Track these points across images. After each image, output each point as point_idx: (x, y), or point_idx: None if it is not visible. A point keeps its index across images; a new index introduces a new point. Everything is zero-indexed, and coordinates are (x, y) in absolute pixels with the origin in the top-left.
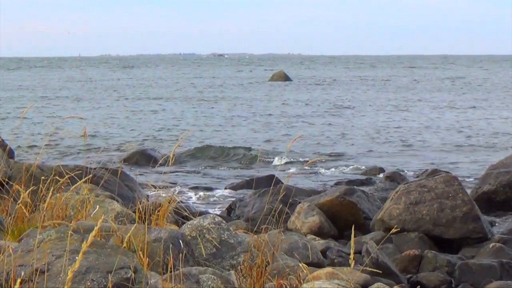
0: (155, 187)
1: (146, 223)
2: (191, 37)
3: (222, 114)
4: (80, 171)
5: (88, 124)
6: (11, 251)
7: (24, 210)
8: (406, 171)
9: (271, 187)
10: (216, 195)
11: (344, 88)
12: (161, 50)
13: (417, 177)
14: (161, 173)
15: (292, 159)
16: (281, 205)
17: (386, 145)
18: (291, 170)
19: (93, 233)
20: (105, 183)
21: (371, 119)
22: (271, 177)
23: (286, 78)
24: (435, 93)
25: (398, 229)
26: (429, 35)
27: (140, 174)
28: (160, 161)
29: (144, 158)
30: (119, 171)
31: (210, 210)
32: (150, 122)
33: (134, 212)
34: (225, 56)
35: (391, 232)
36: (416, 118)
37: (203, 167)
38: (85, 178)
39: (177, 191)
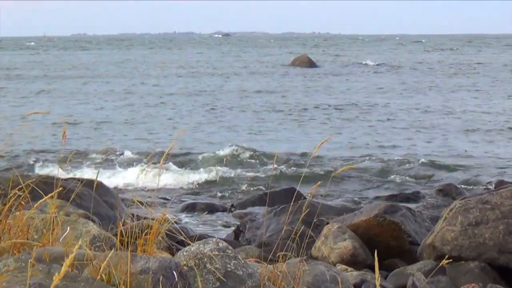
0: (142, 204)
1: (130, 249)
2: (188, 13)
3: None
4: (47, 183)
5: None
6: None
7: None
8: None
9: (291, 204)
10: (221, 213)
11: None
12: (149, 28)
13: (485, 189)
14: (145, 190)
15: (317, 167)
16: (303, 227)
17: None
18: (315, 181)
19: (67, 262)
20: (79, 198)
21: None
22: (291, 190)
23: (310, 63)
24: None
25: (454, 258)
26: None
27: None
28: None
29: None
30: (96, 183)
31: (213, 233)
32: (154, 122)
33: (115, 235)
34: (232, 35)
35: (444, 261)
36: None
37: (204, 178)
38: (55, 192)
39: (170, 209)
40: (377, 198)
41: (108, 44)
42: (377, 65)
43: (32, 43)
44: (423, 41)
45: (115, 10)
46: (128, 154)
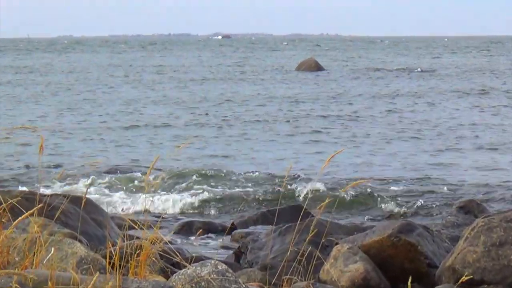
0: (134, 223)
1: (120, 272)
2: (183, 13)
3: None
4: (29, 200)
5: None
6: None
7: None
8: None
9: (297, 222)
10: (220, 233)
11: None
12: (142, 29)
13: None
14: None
15: (327, 183)
16: (310, 247)
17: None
18: (324, 197)
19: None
20: (64, 216)
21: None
22: (297, 208)
23: (317, 67)
24: None
25: (475, 281)
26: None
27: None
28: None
29: (117, 180)
30: (83, 199)
31: (211, 254)
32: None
33: (104, 257)
34: (232, 37)
35: (464, 278)
36: None
37: (201, 195)
38: (34, 209)
39: (164, 228)
40: (391, 216)
41: (99, 46)
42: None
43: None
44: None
45: (105, 10)
46: (120, 168)
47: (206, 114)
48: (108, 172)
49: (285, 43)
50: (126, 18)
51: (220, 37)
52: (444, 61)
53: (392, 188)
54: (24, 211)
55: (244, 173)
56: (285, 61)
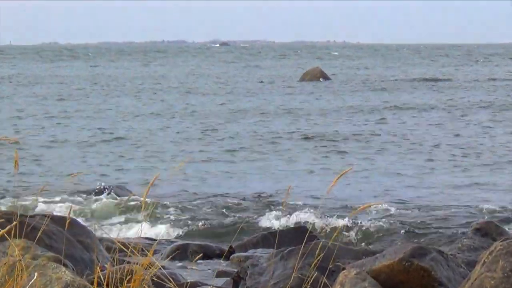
0: (125, 246)
1: None
2: (178, 19)
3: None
4: (9, 220)
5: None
6: None
7: None
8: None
9: (302, 245)
10: (217, 257)
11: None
12: (133, 36)
13: None
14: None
15: (334, 205)
16: (316, 273)
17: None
18: (331, 220)
19: None
20: (48, 238)
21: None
22: (301, 229)
23: (323, 76)
24: None
25: None
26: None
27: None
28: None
29: (107, 199)
30: (68, 220)
31: (208, 280)
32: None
33: (92, 282)
34: (231, 44)
35: None
36: None
37: (196, 215)
38: (9, 227)
39: (157, 252)
40: (403, 240)
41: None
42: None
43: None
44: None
45: (92, 15)
46: (109, 184)
47: (213, 129)
48: (95, 191)
49: (278, 49)
50: (117, 24)
51: (218, 44)
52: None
53: (403, 209)
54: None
55: (242, 193)
56: (287, 70)
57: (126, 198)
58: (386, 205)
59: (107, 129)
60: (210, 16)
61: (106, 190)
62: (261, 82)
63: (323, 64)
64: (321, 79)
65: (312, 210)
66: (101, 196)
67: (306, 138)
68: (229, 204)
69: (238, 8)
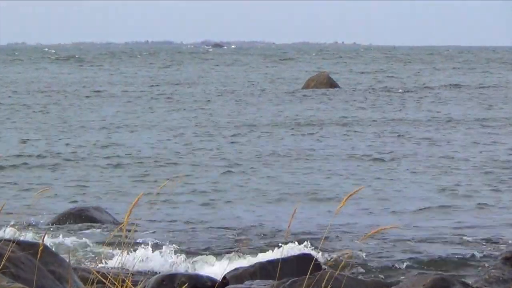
0: (104, 277)
1: None
2: (165, 16)
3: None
4: None
5: None
6: None
7: None
8: None
9: (306, 276)
10: None
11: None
12: (112, 36)
13: None
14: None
15: (342, 230)
16: None
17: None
18: (339, 247)
19: None
20: (14, 267)
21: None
22: (305, 258)
23: (330, 84)
24: None
25: None
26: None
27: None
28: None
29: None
30: (40, 247)
31: None
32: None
33: None
34: (225, 46)
35: None
36: None
37: (185, 241)
38: None
39: (141, 283)
40: (421, 268)
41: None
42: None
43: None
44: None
45: (66, 13)
46: (86, 205)
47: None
48: (70, 212)
49: (279, 51)
50: (94, 24)
51: (209, 46)
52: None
53: (421, 235)
54: None
55: (238, 216)
56: (288, 75)
57: (104, 221)
58: (400, 230)
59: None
60: (199, 15)
61: (82, 211)
62: (257, 88)
63: (330, 69)
64: (329, 89)
65: (317, 236)
66: (76, 219)
67: (309, 158)
68: (223, 229)
69: (231, 6)
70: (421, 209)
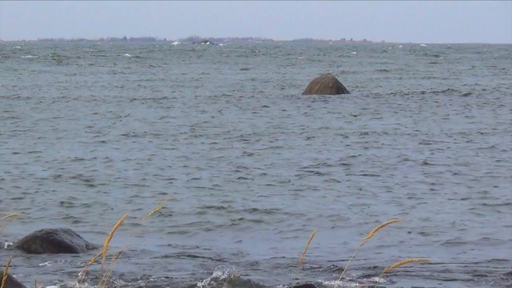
0: None
1: None
2: (143, 11)
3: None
4: None
5: None
6: None
7: None
8: None
9: None
10: None
11: None
12: (86, 32)
13: None
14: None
15: (359, 264)
16: None
17: None
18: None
19: None
20: None
21: None
22: None
23: (337, 88)
24: None
25: None
26: None
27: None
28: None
29: (51, 248)
30: (4, 277)
31: None
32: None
33: None
34: (215, 43)
35: None
36: None
37: (174, 276)
38: None
39: None
40: None
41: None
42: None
43: None
44: None
45: (33, 6)
46: (56, 227)
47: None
48: (38, 235)
49: (277, 49)
50: (64, 19)
51: (197, 43)
52: None
53: (451, 270)
54: None
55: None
56: (286, 76)
57: (77, 247)
58: (433, 262)
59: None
60: (185, 9)
61: (50, 235)
62: (261, 92)
63: (337, 69)
64: (334, 91)
65: (335, 266)
66: (43, 244)
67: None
68: (221, 260)
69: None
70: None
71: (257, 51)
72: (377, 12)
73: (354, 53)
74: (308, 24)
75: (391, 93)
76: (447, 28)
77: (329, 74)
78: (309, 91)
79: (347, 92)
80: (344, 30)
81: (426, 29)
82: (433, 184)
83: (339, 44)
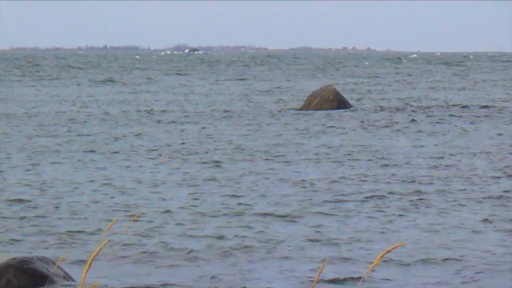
0: None
1: None
2: (127, 16)
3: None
4: None
5: None
6: None
7: None
8: None
9: None
10: None
11: None
12: (60, 40)
13: None
14: None
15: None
16: None
17: None
18: None
19: None
20: None
21: None
22: None
23: (338, 102)
24: None
25: None
26: None
27: None
28: None
29: (24, 279)
30: None
31: None
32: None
33: None
34: (204, 52)
35: None
36: None
37: None
38: None
39: None
40: None
41: None
42: None
43: None
44: None
45: (1, 11)
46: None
47: None
48: (8, 267)
49: (273, 58)
50: (35, 24)
51: (184, 52)
52: None
53: None
54: None
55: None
56: (281, 89)
57: (53, 277)
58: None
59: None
60: (170, 15)
61: (24, 263)
62: (255, 109)
63: (338, 80)
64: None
65: None
66: (16, 274)
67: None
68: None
69: (211, 3)
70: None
71: (257, 60)
72: (381, 18)
73: (366, 63)
74: (306, 31)
75: (399, 107)
76: (459, 35)
77: (329, 86)
78: (307, 105)
79: (350, 106)
80: (346, 37)
81: (435, 36)
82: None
83: (341, 53)
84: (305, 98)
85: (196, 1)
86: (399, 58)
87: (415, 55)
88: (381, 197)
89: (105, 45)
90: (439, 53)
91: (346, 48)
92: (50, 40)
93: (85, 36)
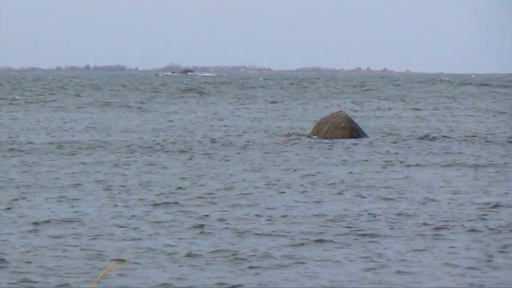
0: None
1: None
2: (113, 34)
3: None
4: None
5: None
6: None
7: None
8: None
9: None
10: None
11: None
12: (38, 59)
13: None
14: None
15: None
16: None
17: None
18: None
19: None
20: None
21: None
22: None
23: (350, 130)
24: None
25: None
26: None
27: None
28: None
29: None
30: None
31: None
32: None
33: None
34: (198, 73)
35: None
36: None
37: None
38: None
39: None
40: None
41: None
42: None
43: None
44: None
45: None
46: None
47: None
48: None
49: (276, 81)
50: (7, 42)
51: (175, 74)
52: None
53: None
54: None
55: None
56: (288, 114)
57: None
58: None
59: None
60: (159, 32)
61: None
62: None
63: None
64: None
65: None
66: None
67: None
68: None
69: (207, 20)
70: None
71: (269, 83)
72: (398, 37)
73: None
74: (315, 50)
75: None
76: (469, 57)
77: (340, 112)
78: (316, 132)
79: (364, 136)
80: (359, 57)
81: (447, 57)
82: None
83: (354, 74)
84: (311, 129)
85: (188, 15)
86: (431, 80)
87: (448, 78)
88: None
89: (87, 65)
90: (474, 75)
91: (360, 68)
92: (23, 59)
93: (64, 54)
